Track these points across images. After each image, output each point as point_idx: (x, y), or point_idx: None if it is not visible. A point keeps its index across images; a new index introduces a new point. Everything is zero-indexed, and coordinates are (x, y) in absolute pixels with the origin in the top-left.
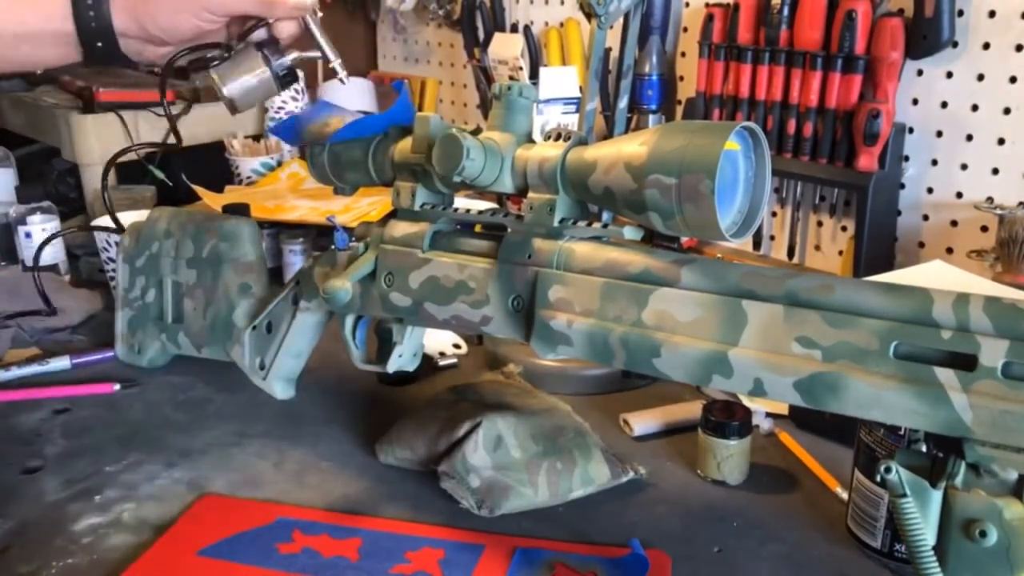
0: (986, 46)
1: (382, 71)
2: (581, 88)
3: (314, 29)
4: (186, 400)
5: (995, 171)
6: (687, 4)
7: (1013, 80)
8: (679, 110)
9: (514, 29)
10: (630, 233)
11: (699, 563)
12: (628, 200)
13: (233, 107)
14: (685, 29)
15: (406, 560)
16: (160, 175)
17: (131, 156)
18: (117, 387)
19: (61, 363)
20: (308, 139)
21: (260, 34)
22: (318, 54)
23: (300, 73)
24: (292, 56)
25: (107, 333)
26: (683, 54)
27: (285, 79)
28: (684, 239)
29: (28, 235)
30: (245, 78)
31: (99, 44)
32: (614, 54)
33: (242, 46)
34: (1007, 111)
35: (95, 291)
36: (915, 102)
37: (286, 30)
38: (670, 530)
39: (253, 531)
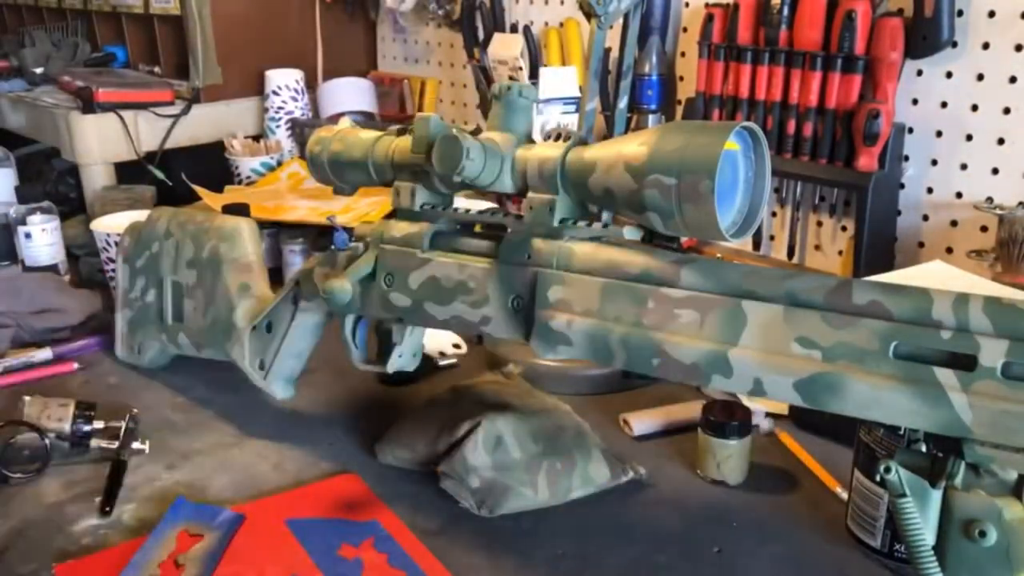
0: (986, 46)
1: (382, 71)
2: (581, 88)
3: None
4: (186, 401)
5: (995, 171)
6: (687, 4)
7: (1013, 80)
8: (679, 110)
9: (514, 29)
10: (630, 233)
11: (699, 563)
12: (628, 200)
13: None
14: (685, 29)
15: None
16: (160, 175)
17: (131, 156)
18: (76, 366)
19: (43, 354)
20: None
21: None
22: None
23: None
24: None
25: (107, 333)
26: (683, 54)
27: None
28: (684, 239)
29: (28, 235)
30: None
31: None
32: (614, 54)
33: None
34: (1007, 111)
35: (95, 291)
36: (915, 102)
37: None
38: (670, 530)
39: (340, 521)
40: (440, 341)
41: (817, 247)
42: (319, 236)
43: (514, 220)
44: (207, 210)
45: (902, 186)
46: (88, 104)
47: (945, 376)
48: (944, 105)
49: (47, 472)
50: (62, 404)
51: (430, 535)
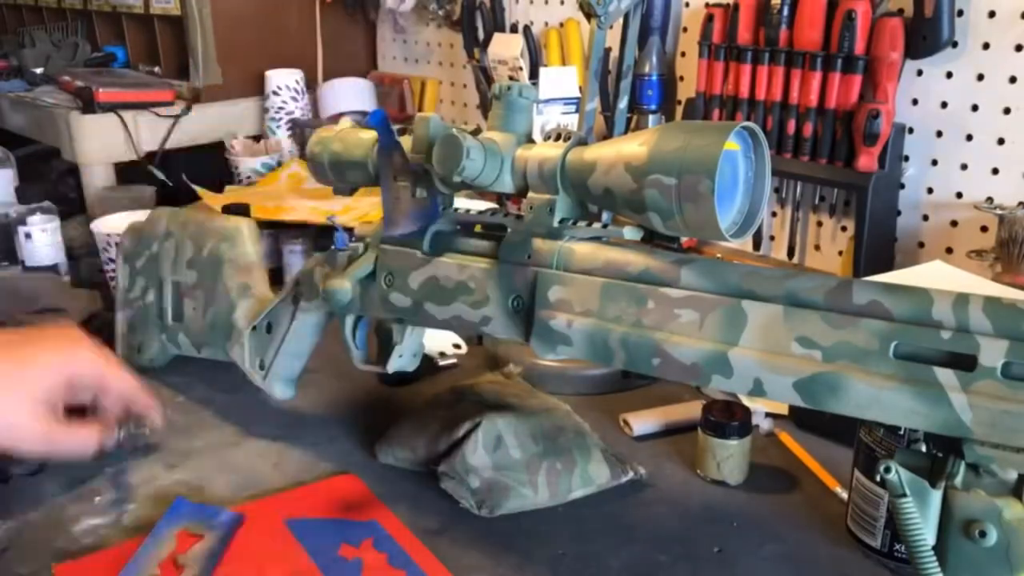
0: (986, 46)
1: (382, 71)
2: (581, 88)
3: None
4: (186, 400)
5: (995, 171)
6: (687, 4)
7: (1013, 80)
8: (679, 110)
9: (514, 29)
10: (630, 233)
11: (699, 563)
12: (628, 200)
13: None
14: (685, 29)
15: None
16: (160, 175)
17: (131, 156)
18: None
19: None
20: None
21: None
22: None
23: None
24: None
25: (107, 333)
26: (683, 54)
27: None
28: (684, 239)
29: (28, 235)
30: None
31: None
32: (614, 54)
33: None
34: (1007, 111)
35: (95, 291)
36: (915, 102)
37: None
38: (670, 530)
39: (341, 521)
40: (440, 341)
41: (817, 247)
42: (319, 236)
43: (514, 220)
44: (207, 210)
45: (902, 186)
46: (88, 104)
47: (945, 376)
48: (944, 105)
49: (47, 472)
50: None
51: (430, 535)
